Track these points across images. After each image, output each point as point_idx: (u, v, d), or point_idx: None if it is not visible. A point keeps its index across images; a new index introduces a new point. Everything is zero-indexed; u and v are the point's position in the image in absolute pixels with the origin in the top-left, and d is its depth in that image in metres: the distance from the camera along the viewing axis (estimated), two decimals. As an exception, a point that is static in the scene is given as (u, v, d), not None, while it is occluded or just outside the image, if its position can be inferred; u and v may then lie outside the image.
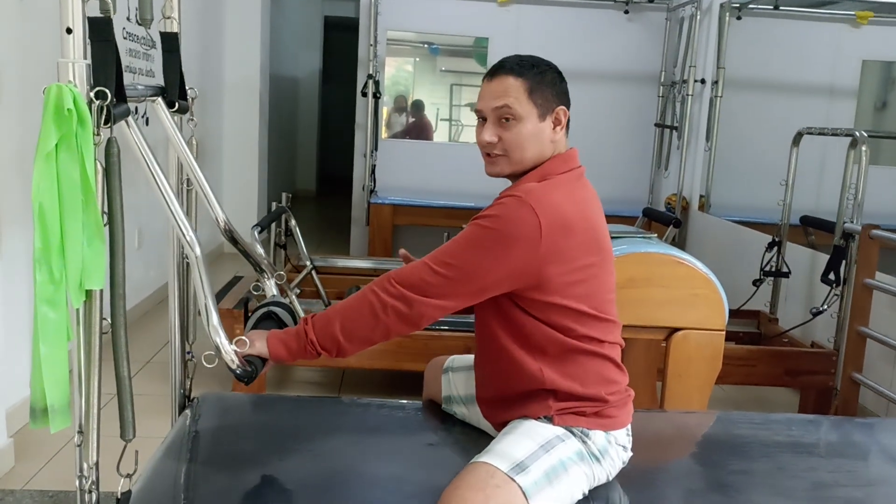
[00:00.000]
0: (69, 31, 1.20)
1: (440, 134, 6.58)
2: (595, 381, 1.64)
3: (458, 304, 1.59)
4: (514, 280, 1.57)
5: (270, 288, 2.00)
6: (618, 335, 1.72)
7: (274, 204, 3.77)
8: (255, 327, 1.78)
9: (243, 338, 1.60)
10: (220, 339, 1.55)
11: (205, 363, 1.58)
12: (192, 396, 2.05)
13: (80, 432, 1.37)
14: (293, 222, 3.76)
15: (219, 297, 3.63)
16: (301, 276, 3.83)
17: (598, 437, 1.63)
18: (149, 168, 1.45)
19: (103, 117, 1.24)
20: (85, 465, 1.39)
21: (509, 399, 1.70)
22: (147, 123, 4.46)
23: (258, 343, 1.63)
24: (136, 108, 4.34)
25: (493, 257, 1.54)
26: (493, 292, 1.60)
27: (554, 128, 1.65)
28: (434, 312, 1.58)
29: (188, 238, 1.51)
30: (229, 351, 1.57)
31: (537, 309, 1.60)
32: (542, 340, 1.62)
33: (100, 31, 1.25)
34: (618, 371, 1.70)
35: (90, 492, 1.40)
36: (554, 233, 1.54)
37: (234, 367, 1.59)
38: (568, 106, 1.69)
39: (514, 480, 1.49)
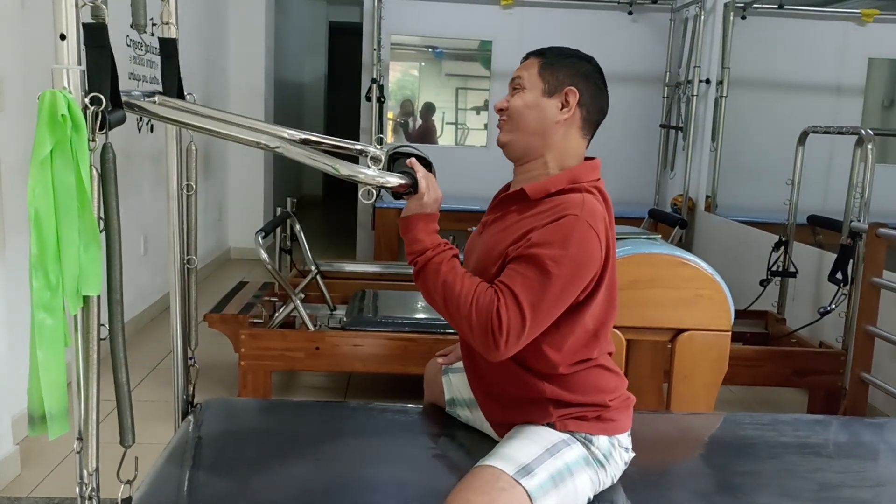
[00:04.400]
0: (63, 37, 1.19)
1: (446, 137, 6.58)
2: (595, 391, 1.65)
3: (532, 334, 1.53)
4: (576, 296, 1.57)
5: (380, 153, 1.92)
6: (611, 342, 1.74)
7: (278, 209, 3.77)
8: (391, 168, 1.70)
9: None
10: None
11: (363, 200, 1.57)
12: (195, 402, 2.05)
13: (80, 439, 1.36)
14: (298, 227, 3.76)
15: (224, 302, 3.63)
16: (306, 280, 3.84)
17: (601, 441, 1.63)
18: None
19: (98, 123, 1.24)
20: (85, 472, 1.39)
21: (510, 403, 1.70)
22: (152, 130, 4.48)
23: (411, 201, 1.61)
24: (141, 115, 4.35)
25: (572, 286, 1.54)
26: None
27: (561, 108, 1.64)
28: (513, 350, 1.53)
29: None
30: (378, 174, 1.55)
31: (556, 334, 1.60)
32: (547, 366, 1.62)
33: (94, 37, 1.24)
34: (615, 377, 1.70)
35: (90, 498, 1.40)
36: (608, 248, 1.58)
37: (392, 182, 1.56)
38: (589, 94, 1.67)
39: (520, 483, 1.48)
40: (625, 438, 1.69)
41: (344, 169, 1.53)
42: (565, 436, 1.61)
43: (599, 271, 1.56)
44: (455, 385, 1.99)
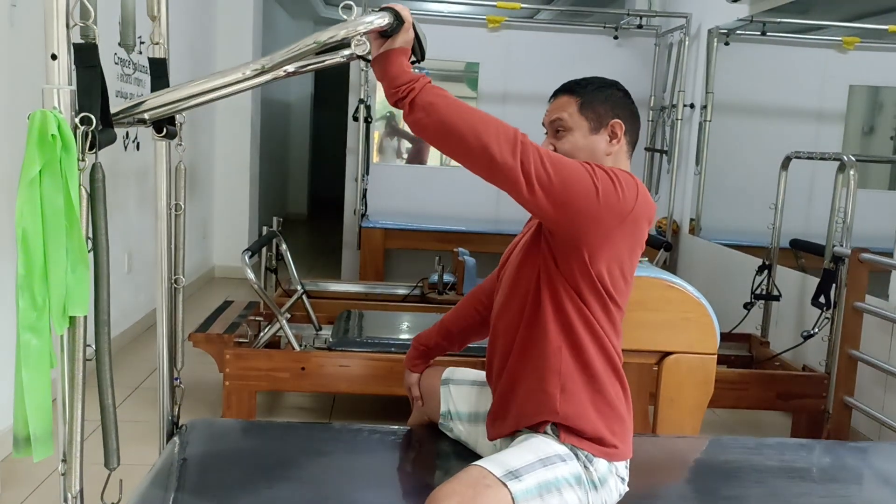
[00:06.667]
0: (54, 57, 1.20)
1: (431, 158, 6.60)
2: (604, 380, 1.66)
3: (543, 196, 1.51)
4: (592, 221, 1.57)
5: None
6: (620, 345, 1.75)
7: (265, 228, 3.76)
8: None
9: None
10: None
11: (357, 51, 1.50)
12: (180, 423, 2.04)
13: (64, 461, 1.35)
14: (284, 246, 3.75)
15: (209, 321, 3.61)
16: (292, 300, 3.82)
17: (601, 464, 1.64)
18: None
19: (88, 143, 1.24)
20: (69, 495, 1.37)
21: (525, 391, 1.69)
22: (138, 148, 4.46)
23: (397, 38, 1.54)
24: (127, 133, 4.34)
25: (596, 196, 1.54)
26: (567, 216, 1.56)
27: (610, 140, 1.71)
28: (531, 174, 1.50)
29: None
30: (360, 20, 1.49)
31: (586, 295, 1.64)
32: (574, 323, 1.64)
33: (85, 57, 1.25)
34: (620, 384, 1.71)
35: (73, 521, 1.38)
36: (641, 214, 1.61)
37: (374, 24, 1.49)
38: (630, 121, 1.74)
39: (506, 485, 1.51)
40: (623, 469, 1.70)
41: (323, 35, 1.49)
42: (564, 450, 1.62)
43: (619, 224, 1.58)
44: (455, 397, 1.98)
